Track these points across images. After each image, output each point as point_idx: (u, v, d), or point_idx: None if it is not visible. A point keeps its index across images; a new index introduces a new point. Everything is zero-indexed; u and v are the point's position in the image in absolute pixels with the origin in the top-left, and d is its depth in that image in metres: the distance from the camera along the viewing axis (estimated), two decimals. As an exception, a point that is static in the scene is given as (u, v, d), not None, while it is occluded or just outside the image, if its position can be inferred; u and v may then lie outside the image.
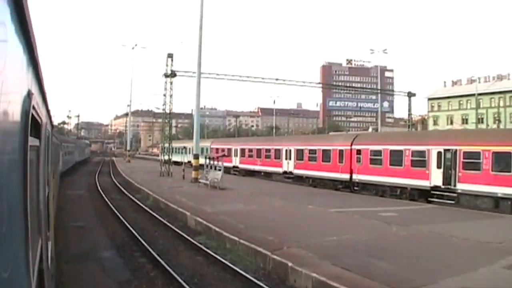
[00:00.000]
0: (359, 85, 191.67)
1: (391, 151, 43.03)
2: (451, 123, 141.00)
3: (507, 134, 41.23)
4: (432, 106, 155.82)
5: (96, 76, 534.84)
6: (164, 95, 61.89)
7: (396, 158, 42.25)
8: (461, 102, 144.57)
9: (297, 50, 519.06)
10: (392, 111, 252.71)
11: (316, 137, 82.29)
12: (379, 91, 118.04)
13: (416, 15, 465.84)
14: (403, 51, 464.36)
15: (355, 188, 47.36)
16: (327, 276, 14.94)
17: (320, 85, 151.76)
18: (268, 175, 64.79)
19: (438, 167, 38.17)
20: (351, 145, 48.36)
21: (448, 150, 37.43)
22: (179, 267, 18.11)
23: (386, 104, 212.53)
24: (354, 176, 47.30)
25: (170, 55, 60.30)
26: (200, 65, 52.87)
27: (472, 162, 35.48)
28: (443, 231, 23.48)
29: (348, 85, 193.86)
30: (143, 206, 35.43)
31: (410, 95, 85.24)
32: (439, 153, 38.17)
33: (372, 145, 46.05)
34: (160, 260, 18.45)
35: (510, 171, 32.71)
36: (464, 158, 36.12)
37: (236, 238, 21.19)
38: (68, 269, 17.49)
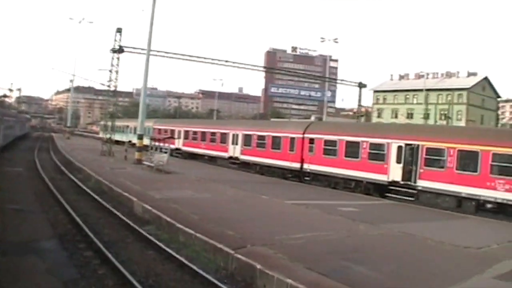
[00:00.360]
0: (294, 72, 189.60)
1: (347, 142, 41.38)
2: (396, 116, 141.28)
3: (475, 132, 40.01)
4: (378, 99, 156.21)
5: (39, 49, 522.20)
6: (110, 71, 59.01)
7: (353, 150, 40.63)
8: (408, 96, 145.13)
9: (243, 36, 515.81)
10: (334, 101, 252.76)
11: (265, 122, 79.61)
12: (326, 79, 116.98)
13: (366, 8, 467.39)
14: (348, 42, 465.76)
15: (306, 178, 45.46)
16: (306, 284, 13.05)
17: (265, 69, 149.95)
18: (212, 159, 62.88)
19: (398, 161, 36.73)
20: (304, 133, 46.42)
21: (410, 144, 36.04)
22: (130, 264, 15.87)
23: (328, 93, 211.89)
24: (306, 166, 45.42)
25: (119, 30, 57.29)
26: (150, 42, 50.84)
27: (435, 159, 34.28)
28: (414, 232, 22.33)
29: (285, 72, 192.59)
30: (85, 188, 32.78)
31: (361, 86, 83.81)
32: (399, 148, 36.72)
33: (326, 135, 44.13)
34: (109, 256, 16.14)
35: (476, 171, 31.63)
36: (426, 154, 34.85)
37: (192, 231, 19.02)
38: (5, 263, 15.15)
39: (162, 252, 17.55)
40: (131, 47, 57.93)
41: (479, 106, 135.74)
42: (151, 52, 52.49)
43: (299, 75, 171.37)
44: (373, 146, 39.02)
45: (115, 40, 57.33)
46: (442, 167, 33.62)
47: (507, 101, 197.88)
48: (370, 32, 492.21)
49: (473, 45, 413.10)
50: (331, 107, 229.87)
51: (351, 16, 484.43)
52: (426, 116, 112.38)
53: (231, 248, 16.47)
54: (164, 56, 61.21)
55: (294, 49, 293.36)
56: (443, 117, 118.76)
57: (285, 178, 47.55)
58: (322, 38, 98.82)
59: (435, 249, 19.13)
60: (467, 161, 32.38)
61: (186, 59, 64.78)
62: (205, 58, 67.39)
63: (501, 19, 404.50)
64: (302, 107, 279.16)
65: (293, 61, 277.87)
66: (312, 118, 78.01)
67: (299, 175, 46.77)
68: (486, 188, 30.90)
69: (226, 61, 68.89)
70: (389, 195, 37.23)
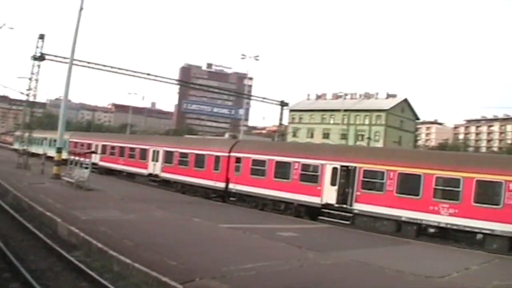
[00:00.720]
0: (216, 90, 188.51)
1: (277, 162, 39.93)
2: (312, 136, 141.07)
3: (417, 155, 39.26)
4: (293, 118, 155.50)
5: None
6: (30, 79, 56.18)
7: (283, 170, 39.28)
8: (324, 116, 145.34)
9: (160, 52, 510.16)
10: (247, 119, 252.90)
11: (188, 139, 77.08)
12: (244, 96, 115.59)
13: (285, 28, 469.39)
14: (268, 61, 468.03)
15: (231, 198, 43.72)
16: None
17: (180, 83, 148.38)
18: (130, 175, 60.09)
19: (333, 184, 35.58)
20: (230, 152, 44.72)
21: (346, 166, 34.97)
22: (65, 301, 13.80)
23: (241, 111, 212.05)
24: (231, 186, 43.66)
25: (41, 36, 54.49)
26: (73, 51, 48.30)
27: (374, 182, 33.50)
28: (367, 260, 21.15)
29: (205, 89, 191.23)
30: (3, 205, 30.35)
31: (283, 104, 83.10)
32: (334, 169, 35.62)
33: (254, 154, 42.55)
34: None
35: (418, 195, 30.91)
36: (364, 177, 33.84)
37: (128, 261, 16.94)
38: None
39: (97, 285, 15.47)
40: (53, 55, 55.49)
41: (397, 128, 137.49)
42: (74, 61, 50.24)
43: (215, 91, 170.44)
44: (306, 167, 37.80)
45: (37, 47, 54.65)
46: (381, 190, 32.81)
47: (423, 123, 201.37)
48: (288, 51, 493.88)
49: (393, 67, 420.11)
50: (244, 125, 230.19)
51: (271, 35, 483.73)
52: (344, 137, 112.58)
53: (178, 281, 14.62)
54: (85, 66, 58.91)
55: (209, 65, 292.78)
56: (360, 138, 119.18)
57: (208, 197, 45.62)
58: (243, 55, 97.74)
59: (399, 280, 18.13)
60: (408, 184, 31.71)
61: (108, 70, 62.56)
62: (126, 70, 65.26)
63: (421, 43, 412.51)
64: (214, 124, 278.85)
65: (208, 78, 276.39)
66: (226, 136, 76.22)
67: (223, 195, 44.95)
68: (428, 212, 30.31)
69: (148, 74, 67.10)
70: (322, 218, 35.85)
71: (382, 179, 32.72)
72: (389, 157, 35.40)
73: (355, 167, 34.20)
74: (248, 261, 18.57)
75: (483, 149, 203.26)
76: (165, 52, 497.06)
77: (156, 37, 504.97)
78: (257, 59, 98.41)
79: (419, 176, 30.96)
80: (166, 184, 52.47)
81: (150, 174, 55.14)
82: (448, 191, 29.86)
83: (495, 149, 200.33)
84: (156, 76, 68.89)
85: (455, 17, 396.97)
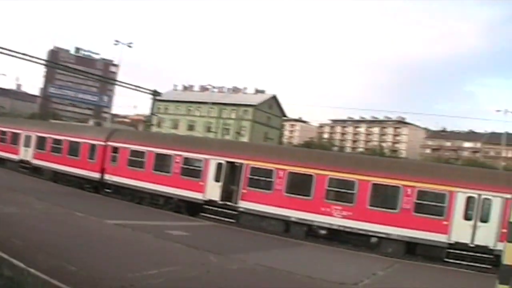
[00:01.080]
0: (87, 75, 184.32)
1: (157, 154, 38.81)
2: (176, 127, 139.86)
3: (309, 154, 38.86)
4: (159, 108, 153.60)
5: None
6: None
7: (163, 163, 38.32)
8: (190, 108, 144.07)
9: (28, 32, 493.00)
10: (110, 106, 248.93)
11: (63, 125, 73.75)
12: (114, 83, 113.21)
13: (157, 18, 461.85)
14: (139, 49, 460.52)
15: (107, 190, 41.97)
16: None
17: (47, 65, 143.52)
18: (0, 160, 56.40)
19: (217, 180, 34.92)
20: (107, 140, 42.99)
21: (232, 162, 34.43)
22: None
23: (106, 98, 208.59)
24: (107, 177, 41.93)
25: None
26: None
27: (261, 180, 33.07)
28: (272, 265, 20.59)
29: (74, 73, 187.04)
30: None
31: (155, 94, 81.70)
32: (219, 165, 34.94)
33: (133, 145, 41.02)
34: None
35: (309, 195, 30.90)
36: (251, 174, 33.36)
37: (22, 265, 14.79)
38: None
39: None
40: None
41: (264, 124, 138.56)
42: None
43: (84, 77, 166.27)
44: (188, 161, 36.96)
45: None
46: (269, 189, 32.44)
47: (288, 120, 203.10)
48: (160, 41, 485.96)
49: (263, 63, 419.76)
50: (107, 112, 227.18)
51: (145, 24, 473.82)
52: (209, 130, 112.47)
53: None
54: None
55: (77, 50, 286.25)
56: (226, 132, 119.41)
57: (81, 188, 43.47)
58: (116, 41, 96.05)
59: (314, 288, 17.66)
60: (299, 184, 31.61)
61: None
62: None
63: (292, 43, 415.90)
64: (78, 110, 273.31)
65: (75, 63, 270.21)
66: (91, 123, 73.60)
67: (98, 186, 43.09)
68: (320, 213, 30.28)
69: (24, 54, 63.64)
70: (204, 215, 35.18)
71: (271, 178, 32.38)
72: (279, 155, 35.03)
73: (242, 163, 33.70)
74: (152, 266, 17.42)
75: (348, 149, 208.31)
76: (35, 34, 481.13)
77: (26, 16, 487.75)
78: (130, 46, 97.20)
79: (311, 176, 30.87)
80: (37, 171, 49.73)
81: (21, 160, 52.33)
82: (341, 193, 30.04)
83: (361, 149, 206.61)
84: (24, 54, 65.40)
85: (322, 17, 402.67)
